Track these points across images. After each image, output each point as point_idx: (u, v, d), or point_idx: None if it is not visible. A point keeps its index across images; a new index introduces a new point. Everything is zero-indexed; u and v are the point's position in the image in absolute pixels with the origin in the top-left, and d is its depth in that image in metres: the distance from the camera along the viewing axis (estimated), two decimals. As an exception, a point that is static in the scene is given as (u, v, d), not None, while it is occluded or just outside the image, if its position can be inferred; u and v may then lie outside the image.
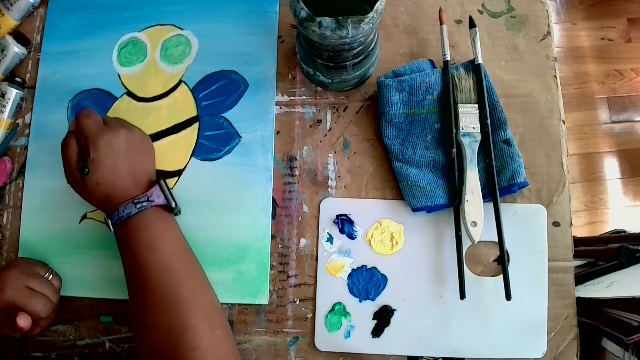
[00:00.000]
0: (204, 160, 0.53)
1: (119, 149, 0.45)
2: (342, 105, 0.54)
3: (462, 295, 0.47)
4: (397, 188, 0.52)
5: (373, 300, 0.50)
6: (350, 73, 0.49)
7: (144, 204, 0.44)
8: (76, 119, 0.46)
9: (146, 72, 0.55)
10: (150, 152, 0.50)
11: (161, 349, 0.40)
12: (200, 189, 0.52)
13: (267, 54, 0.55)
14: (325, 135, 0.54)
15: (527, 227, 0.50)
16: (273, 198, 0.52)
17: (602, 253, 0.76)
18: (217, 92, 0.54)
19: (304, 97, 0.54)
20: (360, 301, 0.50)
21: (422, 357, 0.49)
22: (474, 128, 0.49)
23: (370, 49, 0.47)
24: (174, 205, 0.46)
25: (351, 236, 0.51)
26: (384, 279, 0.50)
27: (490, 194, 0.49)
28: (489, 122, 0.49)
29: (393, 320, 0.49)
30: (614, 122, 1.39)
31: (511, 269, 0.48)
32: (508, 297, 0.46)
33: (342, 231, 0.51)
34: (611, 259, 0.72)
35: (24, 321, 0.43)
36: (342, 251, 0.51)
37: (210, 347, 0.40)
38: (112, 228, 0.45)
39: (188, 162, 0.53)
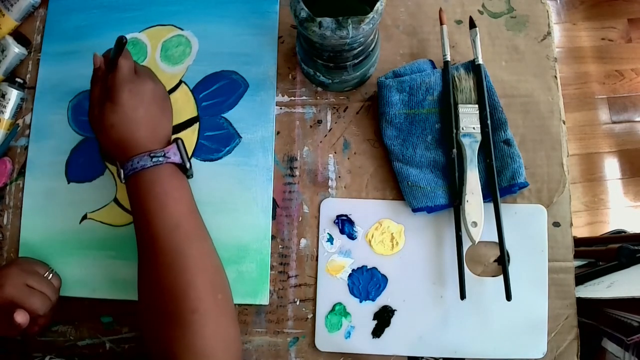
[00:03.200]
0: (204, 161, 0.53)
1: (141, 99, 0.45)
2: (342, 105, 0.54)
3: (462, 295, 0.47)
4: (397, 188, 0.52)
5: (373, 300, 0.50)
6: (350, 73, 0.49)
7: (160, 159, 0.44)
8: (114, 55, 0.45)
9: (146, 72, 0.55)
10: (170, 111, 0.49)
11: (163, 307, 0.41)
12: (200, 189, 0.52)
13: (267, 54, 0.55)
14: (325, 135, 0.54)
15: (527, 227, 0.50)
16: (273, 198, 0.52)
17: (602, 253, 0.76)
18: (217, 92, 0.54)
19: (304, 97, 0.54)
20: (360, 301, 0.50)
21: (422, 357, 0.49)
22: (474, 128, 0.49)
23: (370, 49, 0.47)
24: (188, 165, 0.46)
25: (351, 236, 0.51)
26: (384, 279, 0.50)
27: (490, 194, 0.49)
28: (489, 122, 0.49)
29: (393, 320, 0.49)
30: (614, 122, 1.39)
31: (511, 269, 0.48)
32: (508, 297, 0.46)
33: (342, 231, 0.51)
34: (611, 259, 0.72)
35: (21, 317, 0.43)
36: (342, 251, 0.51)
37: (209, 310, 0.40)
38: (122, 179, 0.45)
39: (188, 162, 0.53)
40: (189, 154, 0.53)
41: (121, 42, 0.45)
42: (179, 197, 0.44)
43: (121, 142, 0.44)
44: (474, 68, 0.51)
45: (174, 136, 0.53)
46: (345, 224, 0.51)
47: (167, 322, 0.40)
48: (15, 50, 0.55)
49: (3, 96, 0.54)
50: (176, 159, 0.45)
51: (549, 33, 0.55)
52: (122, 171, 0.45)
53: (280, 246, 0.52)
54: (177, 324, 0.39)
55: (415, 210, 0.50)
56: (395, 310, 0.50)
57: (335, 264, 0.51)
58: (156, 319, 0.41)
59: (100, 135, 0.46)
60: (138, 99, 0.45)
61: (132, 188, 0.44)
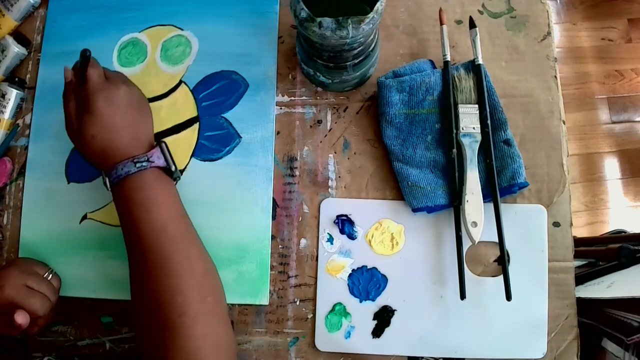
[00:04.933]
0: (204, 161, 0.53)
1: (118, 105, 0.45)
2: (342, 105, 0.54)
3: (462, 295, 0.47)
4: (397, 188, 0.52)
5: (373, 300, 0.50)
6: (350, 73, 0.49)
7: (143, 164, 0.43)
8: (81, 67, 0.46)
9: (146, 72, 0.55)
10: (149, 114, 0.49)
11: (152, 311, 0.41)
12: (201, 189, 0.52)
13: (267, 54, 0.55)
14: (325, 135, 0.54)
15: (527, 227, 0.50)
16: (273, 198, 0.52)
17: (602, 253, 0.76)
18: (217, 92, 0.54)
19: (304, 97, 0.54)
20: (360, 301, 0.50)
21: (422, 357, 0.49)
22: (474, 128, 0.49)
23: (370, 49, 0.47)
24: (173, 168, 0.45)
25: (351, 236, 0.51)
26: (384, 279, 0.50)
27: (490, 194, 0.49)
28: (489, 122, 0.49)
29: (393, 320, 0.49)
30: (614, 122, 1.39)
31: (511, 269, 0.48)
32: (508, 297, 0.46)
33: (342, 231, 0.51)
34: (611, 259, 0.72)
35: (21, 318, 0.43)
36: (342, 251, 0.51)
37: (198, 313, 0.40)
38: (108, 187, 0.45)
39: (188, 162, 0.53)
40: (190, 154, 0.53)
41: (85, 55, 0.45)
42: (164, 202, 0.44)
43: (104, 152, 0.44)
44: (474, 68, 0.51)
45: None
46: (345, 224, 0.51)
47: (157, 325, 0.40)
48: (15, 50, 0.55)
49: (3, 96, 0.54)
50: (160, 162, 0.45)
51: (549, 33, 0.55)
52: (107, 179, 0.45)
53: (280, 246, 0.52)
54: (167, 327, 0.39)
55: (415, 210, 0.50)
56: (395, 310, 0.50)
57: (335, 264, 0.51)
58: (147, 323, 0.41)
59: (82, 148, 0.46)
60: (114, 106, 0.44)
61: (118, 195, 0.44)
